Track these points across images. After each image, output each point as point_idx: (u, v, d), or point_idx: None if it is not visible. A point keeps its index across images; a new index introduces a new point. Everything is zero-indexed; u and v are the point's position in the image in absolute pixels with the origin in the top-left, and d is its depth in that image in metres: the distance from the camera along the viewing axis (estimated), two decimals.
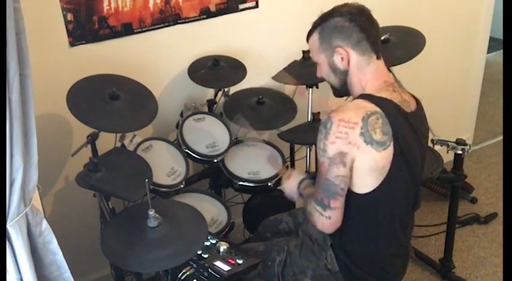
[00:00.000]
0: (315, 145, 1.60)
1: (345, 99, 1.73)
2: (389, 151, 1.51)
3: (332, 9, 1.61)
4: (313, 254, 1.74)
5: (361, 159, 1.50)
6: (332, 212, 1.55)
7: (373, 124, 1.48)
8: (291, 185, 1.86)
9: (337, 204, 1.54)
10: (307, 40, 1.67)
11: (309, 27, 1.65)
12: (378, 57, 1.60)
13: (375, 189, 1.54)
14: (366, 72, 1.59)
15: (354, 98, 1.60)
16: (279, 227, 2.01)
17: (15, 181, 1.28)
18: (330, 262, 1.70)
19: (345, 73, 1.61)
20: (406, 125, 1.58)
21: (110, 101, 1.86)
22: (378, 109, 1.51)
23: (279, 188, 1.96)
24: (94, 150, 1.96)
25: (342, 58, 1.58)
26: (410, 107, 1.63)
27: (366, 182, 1.54)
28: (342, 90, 1.67)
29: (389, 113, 1.52)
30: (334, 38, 1.57)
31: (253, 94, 2.30)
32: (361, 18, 1.57)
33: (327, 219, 1.56)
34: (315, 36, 1.63)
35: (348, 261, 1.67)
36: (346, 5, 1.61)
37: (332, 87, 1.70)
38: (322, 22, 1.61)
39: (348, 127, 1.47)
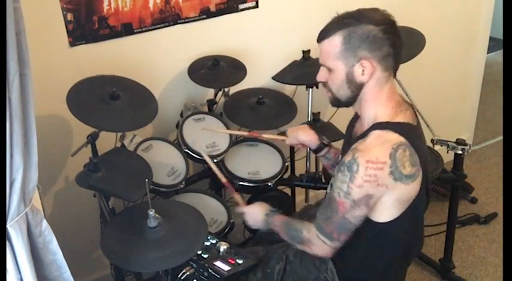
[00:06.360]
0: (332, 181, 1.51)
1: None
2: (418, 180, 1.43)
3: (360, 13, 1.42)
4: (313, 265, 1.68)
5: (387, 195, 1.42)
6: (339, 244, 1.51)
7: (402, 158, 1.38)
8: (255, 212, 1.78)
9: (347, 237, 1.50)
10: (323, 39, 1.45)
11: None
12: (394, 76, 1.50)
13: (395, 218, 1.47)
14: (383, 90, 1.47)
15: (371, 129, 1.46)
16: None
17: (15, 181, 1.28)
18: (331, 276, 1.65)
19: (361, 87, 1.46)
20: (423, 143, 1.51)
21: (110, 101, 1.86)
22: (403, 139, 1.40)
23: (239, 211, 1.84)
24: (94, 150, 1.95)
25: (363, 71, 1.43)
26: (415, 118, 1.54)
27: (388, 212, 1.47)
28: (346, 103, 1.53)
29: (412, 139, 1.42)
30: (363, 48, 1.40)
31: (253, 94, 2.30)
32: (394, 32, 1.43)
33: (332, 249, 1.53)
34: (337, 39, 1.41)
35: (349, 275, 1.64)
36: (376, 11, 1.44)
37: (334, 96, 1.53)
38: (349, 25, 1.40)
39: (376, 169, 1.36)
